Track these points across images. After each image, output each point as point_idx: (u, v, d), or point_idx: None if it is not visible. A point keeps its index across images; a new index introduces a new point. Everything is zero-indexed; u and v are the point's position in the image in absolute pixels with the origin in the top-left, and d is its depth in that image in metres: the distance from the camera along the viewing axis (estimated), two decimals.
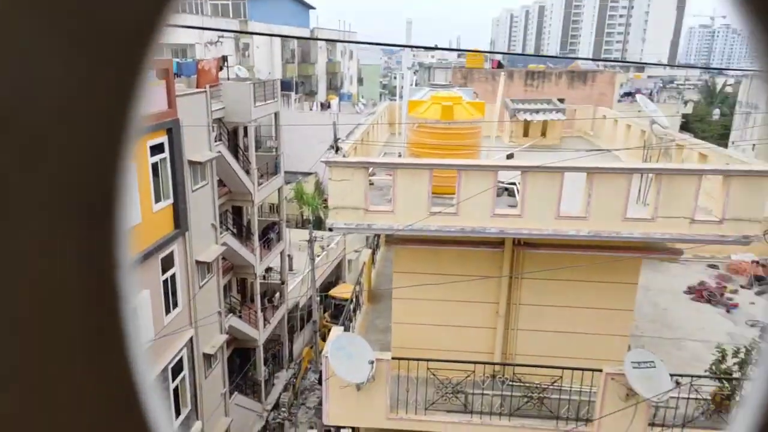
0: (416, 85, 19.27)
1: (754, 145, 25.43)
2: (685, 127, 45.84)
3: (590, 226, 8.08)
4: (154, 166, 15.96)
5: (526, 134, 13.96)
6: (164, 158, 16.42)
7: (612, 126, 13.61)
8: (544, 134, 13.90)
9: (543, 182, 8.07)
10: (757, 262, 13.76)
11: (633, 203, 8.35)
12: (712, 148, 9.86)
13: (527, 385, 8.90)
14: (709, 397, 8.61)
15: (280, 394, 26.78)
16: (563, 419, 8.58)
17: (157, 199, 16.16)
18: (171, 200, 16.79)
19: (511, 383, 9.08)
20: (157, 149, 16.12)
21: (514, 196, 9.34)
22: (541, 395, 8.75)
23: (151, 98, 16.31)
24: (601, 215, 8.03)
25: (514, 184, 9.36)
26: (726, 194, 7.90)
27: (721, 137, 37.32)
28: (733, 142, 28.29)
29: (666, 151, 10.36)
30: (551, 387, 8.69)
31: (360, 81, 62.18)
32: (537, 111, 13.61)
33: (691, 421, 8.43)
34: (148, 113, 16.11)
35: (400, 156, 11.40)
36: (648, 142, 10.30)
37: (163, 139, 16.32)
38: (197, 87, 20.47)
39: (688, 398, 8.40)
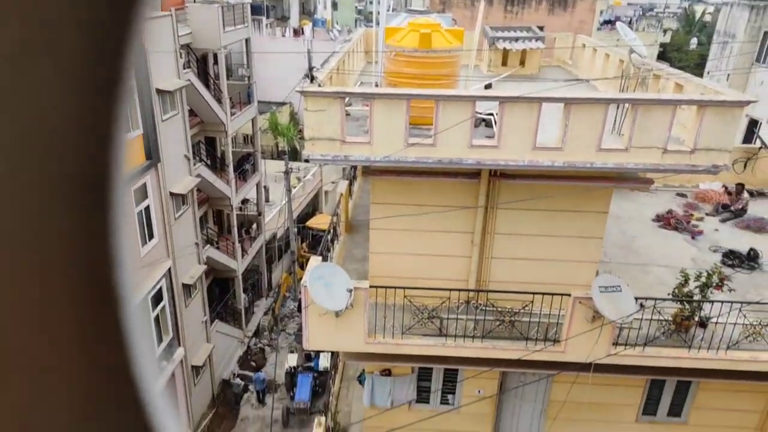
0: (393, 10, 18.56)
1: (728, 75, 25.56)
2: (662, 56, 45.61)
3: (565, 156, 8.18)
4: None
5: (504, 63, 13.75)
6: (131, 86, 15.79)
7: (591, 55, 13.48)
8: (522, 63, 13.71)
9: (520, 113, 8.06)
10: (725, 188, 14.19)
11: (608, 133, 8.44)
12: (688, 77, 9.89)
13: (499, 309, 9.29)
14: (671, 318, 9.13)
15: (260, 321, 27.44)
16: (532, 340, 9.05)
17: (126, 129, 15.70)
18: (140, 130, 16.33)
19: (484, 308, 9.46)
20: None
21: (491, 126, 9.33)
22: (512, 319, 9.16)
23: None
24: (576, 146, 8.11)
25: (491, 114, 9.32)
26: (699, 124, 8.02)
27: (698, 67, 37.33)
28: (708, 72, 28.35)
29: (643, 81, 10.36)
30: (522, 311, 9.09)
31: (334, 5, 59.59)
32: (516, 39, 13.34)
33: (653, 341, 8.98)
34: None
35: (376, 86, 11.18)
36: (626, 72, 10.27)
37: None
38: (162, 10, 19.40)
39: (651, 319, 8.90)
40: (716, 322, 9.04)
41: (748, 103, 8.34)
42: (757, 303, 9.05)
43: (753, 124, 23.64)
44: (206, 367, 21.68)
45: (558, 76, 13.20)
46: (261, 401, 22.96)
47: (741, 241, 12.27)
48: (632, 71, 10.22)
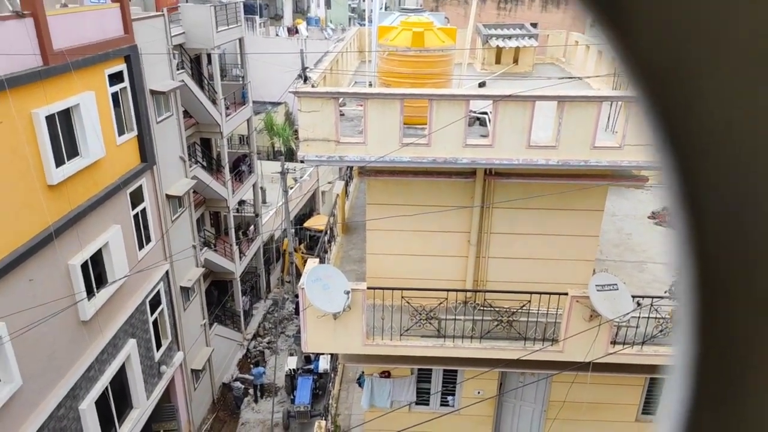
0: (386, 8, 18.50)
1: None
2: None
3: (560, 155, 8.14)
4: (114, 97, 15.30)
5: (498, 61, 13.70)
6: (124, 88, 15.72)
7: (584, 52, 13.43)
8: (516, 61, 13.65)
9: (514, 111, 8.01)
10: None
11: (602, 131, 8.40)
12: None
13: (497, 309, 9.25)
14: (668, 316, 9.10)
15: (260, 324, 27.38)
16: (530, 340, 9.02)
17: (121, 132, 15.63)
18: (135, 132, 16.26)
19: (482, 308, 9.43)
20: (116, 78, 15.39)
21: (485, 125, 9.28)
22: (510, 319, 9.13)
23: (106, 23, 15.36)
24: (570, 144, 8.07)
25: (485, 113, 9.28)
26: None
27: None
28: None
29: None
30: (520, 311, 9.06)
31: (328, 4, 59.44)
32: (509, 37, 13.29)
33: (651, 339, 8.96)
34: (104, 39, 14.91)
35: (370, 85, 11.12)
36: (618, 69, 10.21)
37: (121, 67, 15.55)
38: (156, 10, 19.32)
39: (648, 317, 8.87)
40: None
41: None
42: None
43: None
44: (206, 371, 21.63)
45: (552, 73, 13.15)
46: (257, 399, 22.90)
47: None
48: None
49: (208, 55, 23.08)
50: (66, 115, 13.19)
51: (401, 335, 9.15)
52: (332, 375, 13.80)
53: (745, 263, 0.43)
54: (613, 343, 8.90)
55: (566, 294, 8.71)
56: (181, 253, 18.76)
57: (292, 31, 44.00)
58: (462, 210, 9.34)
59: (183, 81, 19.27)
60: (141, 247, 16.67)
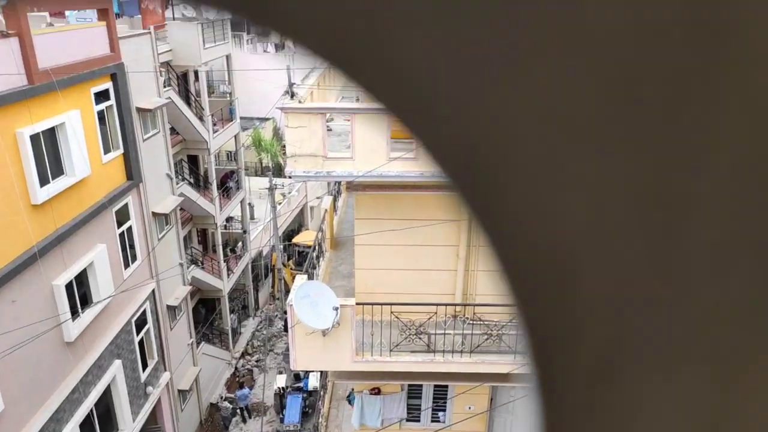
0: None
1: None
2: None
3: None
4: (100, 115, 15.20)
5: None
6: (110, 106, 15.64)
7: None
8: None
9: None
10: None
11: None
12: None
13: (487, 323, 9.22)
14: None
15: (248, 342, 27.07)
16: (521, 353, 8.96)
17: (107, 150, 15.51)
18: (121, 150, 16.14)
19: (471, 322, 9.38)
20: (102, 96, 15.31)
21: None
22: (500, 332, 9.09)
23: (92, 41, 15.32)
24: None
25: None
26: None
27: None
28: None
29: None
30: (509, 324, 9.02)
31: None
32: None
33: None
34: (90, 58, 14.86)
35: (358, 100, 11.16)
36: None
37: (107, 85, 15.48)
38: (143, 28, 19.32)
39: None
40: None
41: None
42: None
43: None
44: (193, 391, 21.28)
45: None
46: (245, 419, 22.55)
47: None
48: None
49: (195, 72, 23.09)
50: (51, 133, 13.07)
51: (391, 351, 9.07)
52: (322, 393, 13.64)
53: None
54: None
55: None
56: (167, 272, 18.54)
57: (280, 46, 44.24)
58: (450, 223, 9.33)
59: (170, 98, 19.22)
60: (127, 265, 16.45)
